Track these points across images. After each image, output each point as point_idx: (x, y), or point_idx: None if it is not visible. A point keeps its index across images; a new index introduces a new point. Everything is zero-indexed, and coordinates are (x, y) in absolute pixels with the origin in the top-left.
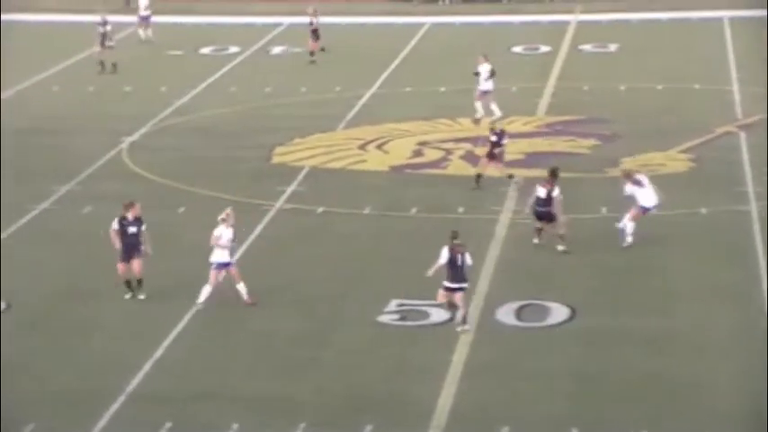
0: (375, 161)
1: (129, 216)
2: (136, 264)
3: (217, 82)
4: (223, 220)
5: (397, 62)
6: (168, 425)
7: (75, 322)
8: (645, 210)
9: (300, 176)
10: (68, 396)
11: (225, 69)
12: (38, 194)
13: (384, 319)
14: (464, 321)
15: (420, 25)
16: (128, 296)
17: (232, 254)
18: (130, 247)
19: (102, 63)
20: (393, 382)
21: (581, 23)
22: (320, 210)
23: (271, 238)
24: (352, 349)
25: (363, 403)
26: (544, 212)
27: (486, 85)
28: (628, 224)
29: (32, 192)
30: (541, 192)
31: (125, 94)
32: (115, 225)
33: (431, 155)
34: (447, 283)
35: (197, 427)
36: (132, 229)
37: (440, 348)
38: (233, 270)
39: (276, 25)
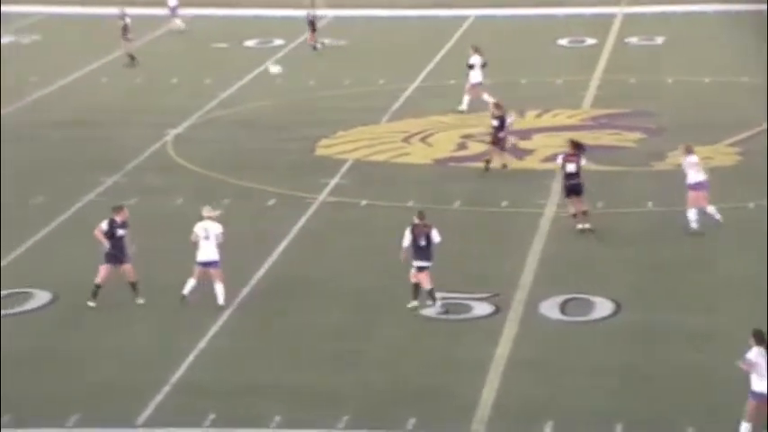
0: (419, 154)
1: (118, 219)
2: (128, 268)
3: (261, 74)
4: (210, 218)
5: (441, 55)
6: (212, 416)
7: (120, 314)
8: (699, 186)
9: (344, 169)
10: (113, 386)
11: (269, 62)
12: (84, 186)
13: (427, 312)
14: (432, 299)
15: (464, 18)
16: (92, 303)
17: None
18: (119, 250)
19: (130, 56)
20: (436, 375)
21: (627, 16)
22: (363, 203)
23: (314, 230)
24: (394, 343)
25: (406, 396)
26: (576, 185)
27: (476, 77)
28: (690, 211)
29: (78, 183)
30: (571, 167)
31: (171, 87)
32: (104, 226)
33: (475, 148)
34: (414, 263)
35: (240, 419)
36: (121, 232)
37: (483, 342)
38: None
39: (320, 18)
